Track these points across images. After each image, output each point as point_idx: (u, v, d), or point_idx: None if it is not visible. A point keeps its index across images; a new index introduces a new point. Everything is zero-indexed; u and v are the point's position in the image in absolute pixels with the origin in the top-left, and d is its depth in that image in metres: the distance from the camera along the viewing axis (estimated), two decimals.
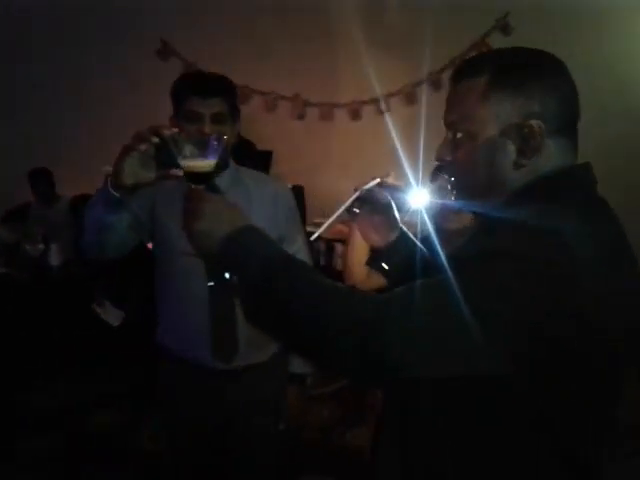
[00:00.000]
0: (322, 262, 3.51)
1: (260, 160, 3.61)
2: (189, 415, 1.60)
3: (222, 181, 1.55)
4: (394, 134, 3.39)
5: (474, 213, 0.94)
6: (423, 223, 1.24)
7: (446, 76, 3.94)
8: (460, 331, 0.71)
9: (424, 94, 3.90)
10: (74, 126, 3.96)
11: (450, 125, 0.91)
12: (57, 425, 2.70)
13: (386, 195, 1.08)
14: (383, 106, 3.92)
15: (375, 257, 1.11)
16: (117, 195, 1.20)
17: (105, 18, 3.88)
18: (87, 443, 2.60)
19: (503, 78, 0.86)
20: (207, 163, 0.96)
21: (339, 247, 3.50)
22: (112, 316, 3.04)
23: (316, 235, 1.08)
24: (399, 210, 1.14)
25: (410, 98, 3.98)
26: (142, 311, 2.95)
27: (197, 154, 0.95)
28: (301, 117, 4.05)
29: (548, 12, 3.65)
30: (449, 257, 0.83)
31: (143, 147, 1.12)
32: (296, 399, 1.64)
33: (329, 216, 1.12)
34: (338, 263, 3.52)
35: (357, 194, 1.06)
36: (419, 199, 1.13)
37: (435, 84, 3.93)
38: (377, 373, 0.75)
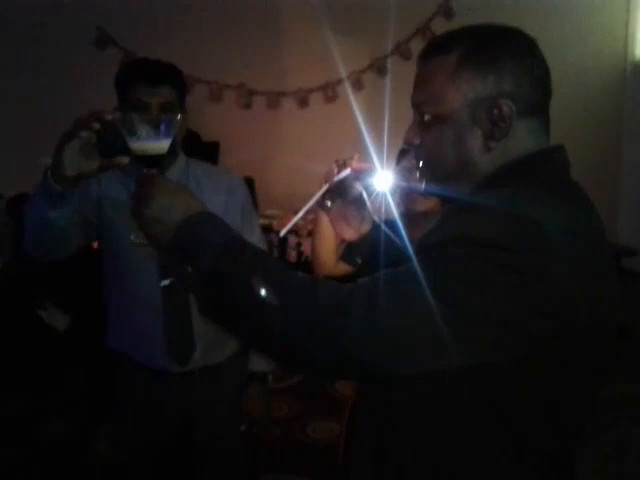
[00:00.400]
0: (275, 254, 3.47)
1: (206, 152, 3.52)
2: (147, 420, 1.53)
3: (171, 174, 1.49)
4: (341, 120, 3.38)
5: (443, 197, 0.90)
6: (388, 206, 1.21)
7: (391, 62, 3.94)
8: (428, 324, 0.67)
9: (370, 80, 3.90)
10: (9, 120, 3.77)
11: (418, 106, 0.86)
12: (6, 438, 2.58)
13: (358, 186, 1.03)
14: (349, 86, 3.88)
15: (348, 251, 1.07)
16: (59, 188, 1.11)
17: (39, 9, 3.69)
18: (40, 455, 2.49)
19: (474, 56, 0.82)
20: (160, 145, 0.89)
21: (292, 239, 3.47)
22: (58, 320, 2.92)
23: (286, 230, 1.02)
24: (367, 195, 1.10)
25: (357, 84, 3.97)
26: (90, 314, 2.85)
27: (150, 134, 0.88)
28: (247, 106, 3.98)
29: None
30: (417, 244, 0.79)
31: (84, 134, 1.04)
32: (257, 398, 1.58)
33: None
34: (291, 255, 3.48)
35: (327, 186, 1.00)
36: (383, 182, 1.10)
37: (381, 70, 3.93)
38: (344, 370, 0.72)
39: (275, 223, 3.35)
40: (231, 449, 1.58)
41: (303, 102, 3.98)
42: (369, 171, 1.06)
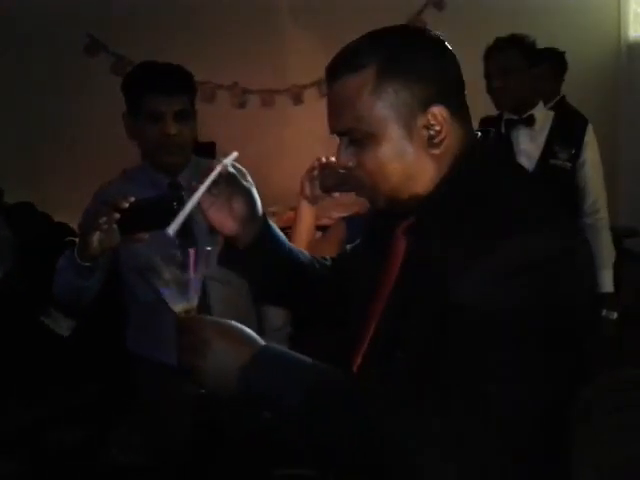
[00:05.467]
0: None
1: (203, 153, 3.50)
2: (168, 418, 1.58)
3: (184, 176, 1.53)
4: None
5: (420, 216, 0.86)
6: None
7: None
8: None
9: None
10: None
11: (343, 133, 0.83)
12: (14, 448, 2.59)
13: (248, 177, 0.99)
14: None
15: (230, 252, 0.98)
16: (86, 264, 1.22)
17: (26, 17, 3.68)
18: (51, 463, 2.49)
19: (393, 67, 0.78)
20: (189, 305, 0.88)
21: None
22: (62, 326, 2.92)
23: (175, 226, 0.92)
24: (346, 190, 1.08)
25: None
26: (95, 317, 2.84)
27: (178, 278, 0.85)
28: (242, 105, 3.97)
29: None
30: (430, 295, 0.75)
31: (105, 226, 1.14)
32: None
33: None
34: None
35: (218, 169, 0.94)
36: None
37: None
38: None
39: (274, 220, 3.35)
40: (248, 442, 1.60)
41: (297, 98, 3.97)
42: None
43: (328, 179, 1.36)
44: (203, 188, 0.93)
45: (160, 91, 1.42)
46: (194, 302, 0.87)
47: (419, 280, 0.78)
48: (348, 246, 1.15)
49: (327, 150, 1.44)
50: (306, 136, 3.81)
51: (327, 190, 1.38)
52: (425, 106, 0.79)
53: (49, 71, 3.70)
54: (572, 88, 3.90)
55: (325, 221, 2.62)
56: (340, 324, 1.02)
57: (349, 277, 1.01)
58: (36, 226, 3.26)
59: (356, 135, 0.81)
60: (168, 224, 1.13)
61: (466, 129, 0.84)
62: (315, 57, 3.73)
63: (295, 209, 1.52)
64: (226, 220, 0.97)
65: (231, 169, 0.97)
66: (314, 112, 3.93)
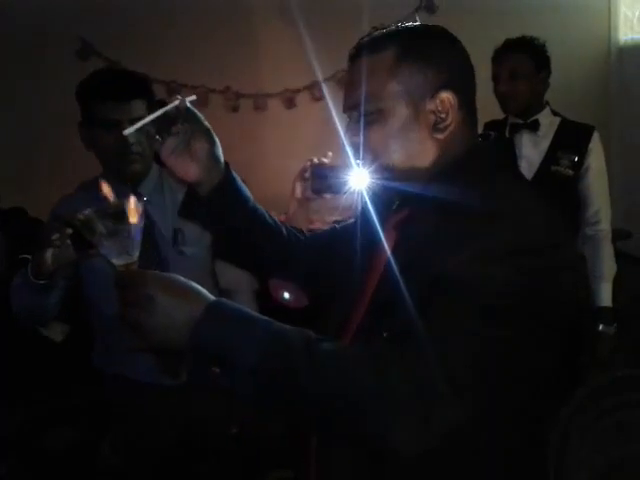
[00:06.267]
0: None
1: None
2: (143, 433, 1.53)
3: (145, 186, 1.48)
4: (330, 118, 3.37)
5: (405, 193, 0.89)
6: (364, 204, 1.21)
7: None
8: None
9: None
10: None
11: (355, 107, 0.86)
12: (6, 450, 2.57)
13: (206, 122, 0.96)
14: (335, 84, 3.87)
15: (193, 201, 0.96)
16: (41, 283, 1.18)
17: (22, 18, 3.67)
18: (43, 464, 2.48)
19: (412, 51, 0.84)
20: (131, 259, 0.81)
21: None
22: (54, 331, 2.90)
23: (132, 129, 0.91)
24: (337, 192, 1.09)
25: (342, 83, 3.95)
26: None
27: (115, 231, 0.79)
28: (235, 109, 3.97)
29: None
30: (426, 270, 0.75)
31: (58, 242, 1.11)
32: None
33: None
34: None
35: (176, 103, 0.92)
36: (359, 180, 1.09)
37: None
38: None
39: None
40: (224, 451, 1.58)
41: (290, 103, 3.97)
42: (336, 169, 1.04)
43: (319, 181, 1.37)
44: (159, 112, 0.91)
45: (114, 98, 1.35)
46: (135, 256, 0.82)
47: (408, 263, 0.80)
48: (337, 225, 1.16)
49: (319, 153, 1.44)
50: (299, 140, 3.81)
51: (318, 192, 1.38)
52: (435, 91, 0.83)
53: (43, 75, 3.68)
54: (562, 92, 3.92)
55: (318, 225, 2.62)
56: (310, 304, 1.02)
57: (333, 255, 1.02)
58: (28, 231, 3.24)
59: (366, 109, 0.84)
60: None
61: (470, 127, 0.88)
62: (308, 61, 3.74)
63: (287, 212, 1.53)
64: (188, 165, 0.96)
65: (189, 105, 0.96)
66: (306, 116, 3.94)
